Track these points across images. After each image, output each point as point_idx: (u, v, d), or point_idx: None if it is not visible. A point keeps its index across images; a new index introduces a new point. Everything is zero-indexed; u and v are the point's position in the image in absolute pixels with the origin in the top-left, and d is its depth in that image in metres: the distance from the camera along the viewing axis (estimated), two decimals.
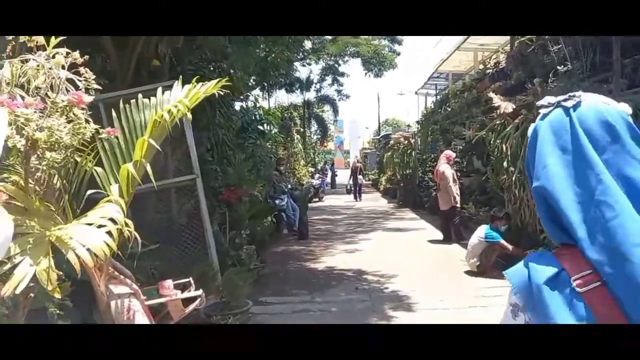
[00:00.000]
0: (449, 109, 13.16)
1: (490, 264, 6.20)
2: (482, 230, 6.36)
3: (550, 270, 0.82)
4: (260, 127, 7.87)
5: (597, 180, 0.80)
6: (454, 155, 8.92)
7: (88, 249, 1.82)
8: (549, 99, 0.92)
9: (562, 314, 0.80)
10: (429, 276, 6.28)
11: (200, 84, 2.58)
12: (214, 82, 2.58)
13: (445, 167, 8.65)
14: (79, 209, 2.40)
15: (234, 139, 6.22)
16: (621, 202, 0.77)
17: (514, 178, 5.98)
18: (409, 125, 21.89)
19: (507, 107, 6.69)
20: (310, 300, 5.46)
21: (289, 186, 10.77)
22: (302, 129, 26.06)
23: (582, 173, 0.82)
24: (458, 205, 8.66)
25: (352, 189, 19.14)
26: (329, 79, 26.23)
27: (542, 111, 0.93)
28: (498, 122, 6.87)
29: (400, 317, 4.75)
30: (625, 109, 0.87)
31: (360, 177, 19.17)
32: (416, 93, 17.98)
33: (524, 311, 0.88)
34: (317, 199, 18.26)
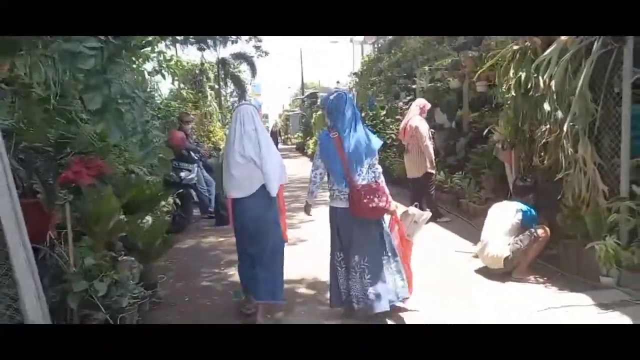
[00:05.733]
0: (399, 54, 10.84)
1: (528, 262, 4.02)
2: (510, 208, 4.15)
3: None
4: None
5: None
6: (428, 105, 6.61)
7: None
8: None
9: None
10: (421, 283, 3.94)
11: None
12: None
13: (419, 121, 6.34)
14: None
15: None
16: None
17: (565, 128, 3.74)
18: (337, 82, 19.40)
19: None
20: None
21: (201, 152, 7.84)
22: (216, 86, 22.59)
23: None
24: (434, 170, 6.47)
25: None
26: None
27: None
28: (513, 50, 4.57)
29: None
30: None
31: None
32: (351, 40, 15.43)
33: None
34: None
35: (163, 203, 5.64)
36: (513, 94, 4.33)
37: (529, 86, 4.07)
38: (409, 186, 8.05)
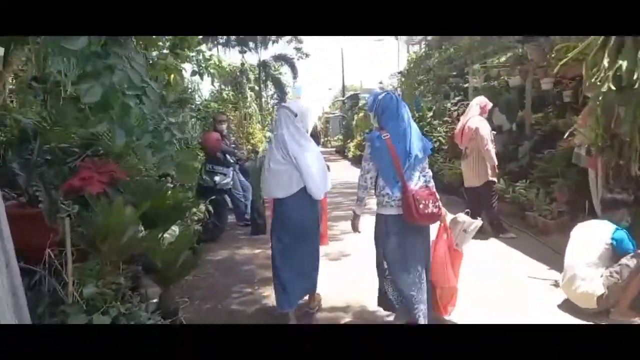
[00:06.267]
0: (451, 50, 10.01)
1: (630, 300, 3.17)
2: (599, 229, 3.33)
3: None
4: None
5: None
6: (490, 104, 5.82)
7: None
8: None
9: None
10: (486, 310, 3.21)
11: None
12: None
13: (479, 122, 5.56)
14: None
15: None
16: None
17: None
18: (380, 82, 18.64)
19: None
20: None
21: (238, 154, 7.34)
22: (257, 87, 22.35)
23: None
24: (496, 178, 5.67)
25: None
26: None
27: None
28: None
29: None
30: None
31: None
32: (397, 38, 14.67)
33: None
34: None
35: (194, 210, 5.18)
36: (606, 88, 3.52)
37: (634, 78, 3.27)
38: (465, 196, 7.26)
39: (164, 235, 3.25)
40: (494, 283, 4.13)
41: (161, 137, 2.31)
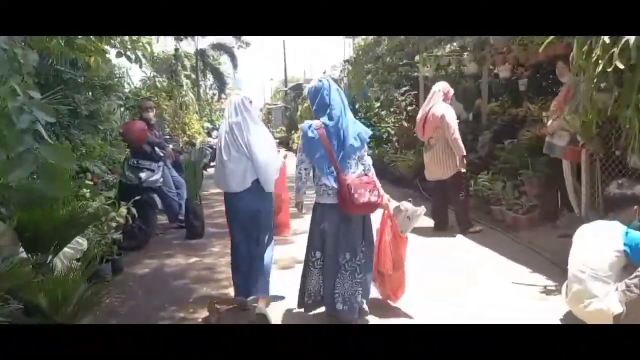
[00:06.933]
0: (401, 38, 9.48)
1: None
2: (609, 231, 2.74)
3: None
4: None
5: None
6: (452, 90, 5.29)
7: None
8: None
9: None
10: None
11: None
12: None
13: (446, 109, 5.01)
14: None
15: None
16: None
17: None
18: (324, 72, 17.96)
19: None
20: None
21: (170, 147, 6.35)
22: (193, 75, 20.97)
23: None
24: (465, 169, 5.17)
25: None
26: None
27: None
28: None
29: None
30: None
31: None
32: None
33: None
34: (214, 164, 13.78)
35: (113, 214, 4.22)
36: (611, 67, 2.98)
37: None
38: (421, 189, 6.77)
39: (55, 261, 2.34)
40: (460, 279, 3.77)
41: (11, 122, 1.44)
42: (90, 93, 5.86)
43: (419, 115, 5.37)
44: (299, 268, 3.28)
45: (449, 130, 4.91)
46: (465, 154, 5.03)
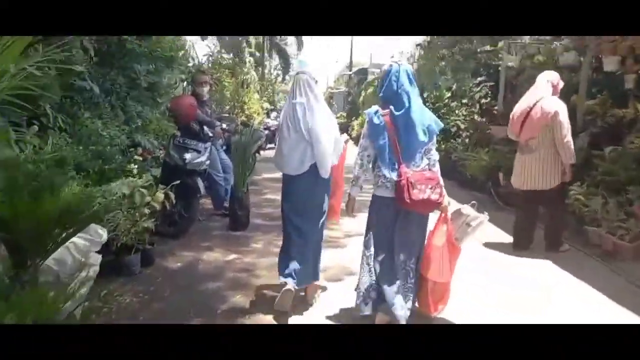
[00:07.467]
0: None
1: None
2: None
3: None
4: None
5: None
6: (562, 82, 4.37)
7: None
8: None
9: None
10: None
11: None
12: None
13: (559, 105, 4.12)
14: None
15: None
16: None
17: None
18: (392, 56, 16.99)
19: None
20: None
21: (222, 126, 5.88)
22: (258, 53, 20.66)
23: None
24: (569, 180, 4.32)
25: None
26: None
27: None
28: None
29: None
30: None
31: None
32: None
33: None
34: (272, 146, 13.28)
35: (148, 199, 3.80)
36: None
37: None
38: (499, 196, 5.90)
39: (62, 255, 1.87)
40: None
41: None
42: (152, 65, 5.51)
43: (518, 110, 4.42)
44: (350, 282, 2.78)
45: (561, 130, 4.04)
46: (575, 161, 4.17)
